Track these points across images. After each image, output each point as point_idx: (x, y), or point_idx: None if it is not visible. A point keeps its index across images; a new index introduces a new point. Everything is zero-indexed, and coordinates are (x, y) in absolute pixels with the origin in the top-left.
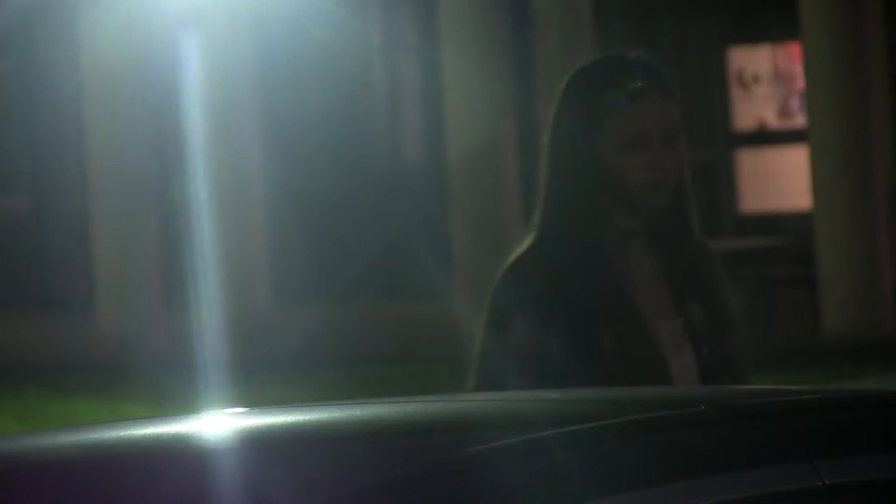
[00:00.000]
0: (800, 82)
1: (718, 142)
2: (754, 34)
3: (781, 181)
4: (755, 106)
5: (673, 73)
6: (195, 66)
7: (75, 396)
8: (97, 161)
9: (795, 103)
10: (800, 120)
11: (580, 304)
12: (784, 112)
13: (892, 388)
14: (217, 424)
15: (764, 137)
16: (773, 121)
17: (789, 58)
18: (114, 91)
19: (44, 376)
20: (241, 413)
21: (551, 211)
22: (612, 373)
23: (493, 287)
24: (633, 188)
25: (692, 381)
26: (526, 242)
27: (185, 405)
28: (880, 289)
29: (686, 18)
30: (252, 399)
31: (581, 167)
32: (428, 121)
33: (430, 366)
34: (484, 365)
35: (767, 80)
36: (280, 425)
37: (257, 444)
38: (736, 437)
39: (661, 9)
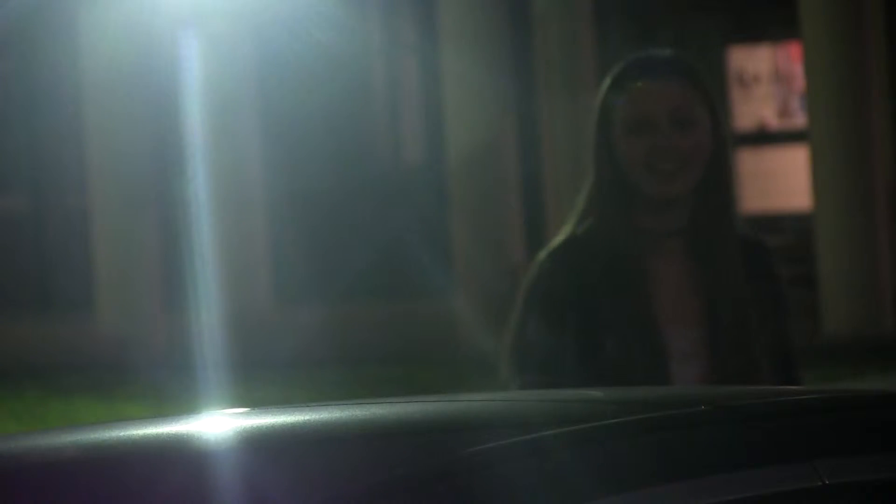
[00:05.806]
0: (800, 82)
1: None
2: (754, 34)
3: (781, 181)
4: (755, 106)
5: (699, 66)
6: (195, 66)
7: (75, 396)
8: (97, 161)
9: (795, 103)
10: (800, 120)
11: (589, 304)
12: (784, 112)
13: (892, 388)
14: (217, 424)
15: (764, 137)
16: (773, 121)
17: (789, 58)
18: (114, 91)
19: (44, 376)
20: (241, 413)
21: (583, 210)
22: (609, 376)
23: (529, 277)
24: (641, 176)
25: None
26: (560, 236)
27: (185, 405)
28: (880, 289)
29: (686, 18)
30: (252, 399)
31: (600, 166)
32: (428, 121)
33: (430, 366)
34: (531, 351)
35: (767, 80)
36: (280, 425)
37: (257, 444)
38: (736, 437)
39: (661, 8)
